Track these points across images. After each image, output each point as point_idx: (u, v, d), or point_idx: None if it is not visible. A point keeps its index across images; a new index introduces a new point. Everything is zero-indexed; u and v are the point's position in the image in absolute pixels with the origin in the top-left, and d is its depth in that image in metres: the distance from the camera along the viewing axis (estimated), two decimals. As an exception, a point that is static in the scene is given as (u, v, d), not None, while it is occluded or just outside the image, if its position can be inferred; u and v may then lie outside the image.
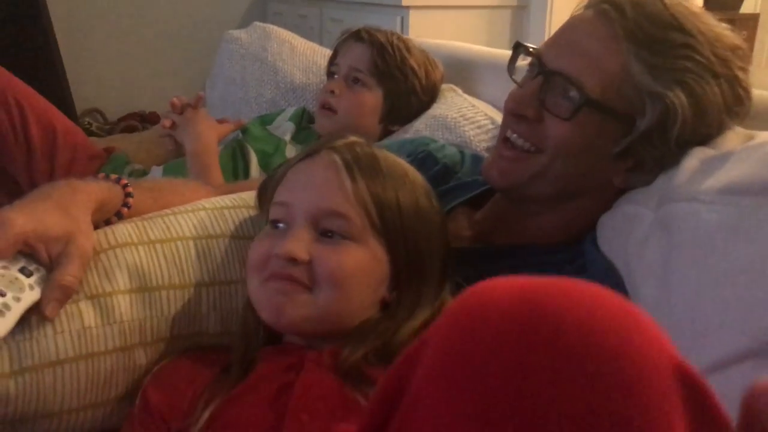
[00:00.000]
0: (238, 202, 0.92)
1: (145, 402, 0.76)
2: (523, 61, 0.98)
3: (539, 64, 0.90)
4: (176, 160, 1.49)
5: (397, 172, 0.78)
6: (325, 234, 0.75)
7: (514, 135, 0.91)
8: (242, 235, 0.88)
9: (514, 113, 0.91)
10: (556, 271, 0.86)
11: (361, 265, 0.74)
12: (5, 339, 0.72)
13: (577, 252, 0.89)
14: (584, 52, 0.85)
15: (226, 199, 0.92)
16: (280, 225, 0.77)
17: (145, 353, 0.80)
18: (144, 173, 1.53)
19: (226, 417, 0.71)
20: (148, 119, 2.76)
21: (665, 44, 0.83)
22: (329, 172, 0.76)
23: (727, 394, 0.59)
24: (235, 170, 1.47)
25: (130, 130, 2.71)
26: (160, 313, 0.81)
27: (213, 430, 0.70)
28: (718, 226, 0.64)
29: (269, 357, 0.76)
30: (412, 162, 1.08)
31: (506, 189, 0.94)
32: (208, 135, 1.38)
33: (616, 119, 0.85)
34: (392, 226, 0.76)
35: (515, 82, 0.95)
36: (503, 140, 0.93)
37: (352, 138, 0.82)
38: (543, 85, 0.88)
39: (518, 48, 0.98)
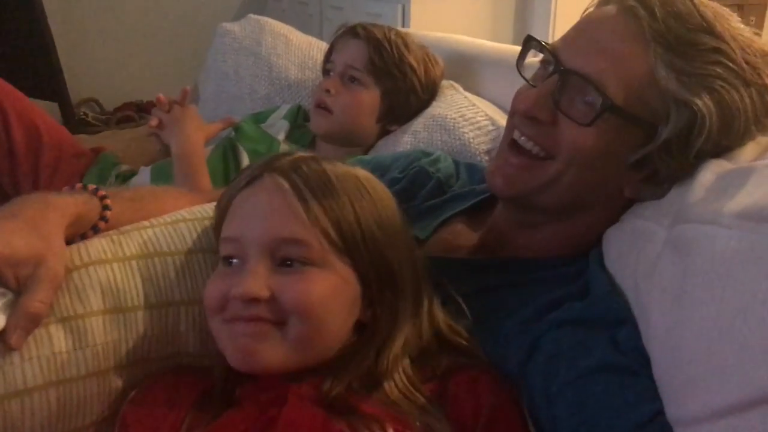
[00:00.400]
0: (222, 214, 0.86)
1: (124, 430, 0.72)
2: (534, 58, 0.92)
3: (555, 62, 0.82)
4: (165, 160, 1.43)
5: (351, 184, 0.73)
6: (284, 263, 0.69)
7: (523, 138, 0.84)
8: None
9: (526, 115, 0.84)
10: (558, 289, 0.81)
11: (329, 289, 0.69)
12: (-32, 367, 0.67)
13: (581, 268, 0.84)
14: (607, 53, 0.79)
15: (207, 209, 0.87)
16: (234, 261, 0.71)
17: (121, 377, 0.76)
18: (132, 174, 1.48)
19: None
20: (144, 109, 2.71)
21: (695, 48, 0.77)
22: (277, 197, 0.70)
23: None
24: (226, 171, 1.41)
25: (127, 120, 2.67)
26: (136, 335, 0.76)
27: None
28: (738, 255, 0.59)
29: (249, 393, 0.71)
30: (402, 180, 1.04)
31: (511, 198, 0.88)
32: (195, 137, 1.33)
33: (637, 127, 0.79)
34: (354, 243, 0.70)
35: (525, 79, 0.88)
36: (510, 144, 0.87)
37: (296, 155, 0.76)
38: (559, 85, 0.81)
39: (529, 42, 0.90)
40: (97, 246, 0.79)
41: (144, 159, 1.58)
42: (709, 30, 0.78)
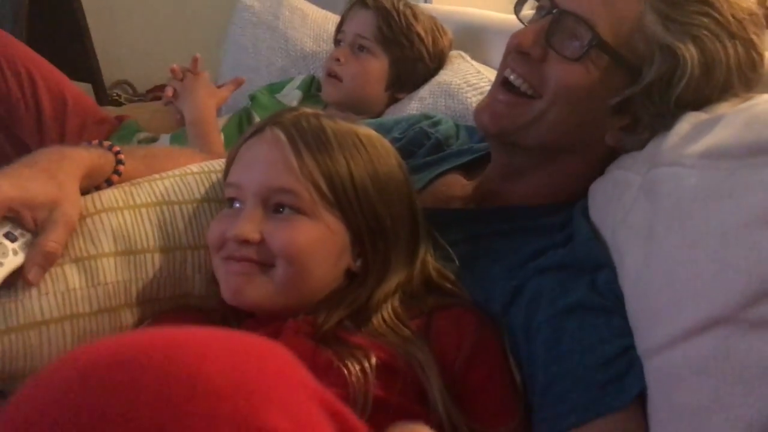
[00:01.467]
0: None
1: None
2: (530, 11, 0.95)
3: (551, 4, 0.86)
4: (183, 128, 1.49)
5: (348, 140, 0.77)
6: (276, 210, 0.75)
7: (513, 75, 0.88)
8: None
9: (517, 50, 0.87)
10: (543, 238, 0.85)
11: (314, 238, 0.74)
12: (-8, 300, 0.74)
13: (565, 219, 0.87)
14: None
15: (215, 164, 0.92)
16: (236, 204, 0.77)
17: (132, 314, 0.81)
18: (153, 141, 1.55)
19: None
20: (175, 90, 2.77)
21: None
22: (274, 149, 0.76)
23: (700, 362, 0.59)
24: (241, 138, 1.46)
25: (158, 101, 2.73)
26: (145, 276, 0.82)
27: None
28: (697, 190, 0.62)
29: (249, 328, 0.77)
30: (402, 140, 1.08)
31: (496, 134, 0.91)
32: (206, 103, 1.38)
33: (622, 67, 0.82)
34: (345, 197, 0.75)
35: (521, 21, 0.92)
36: (501, 82, 0.90)
37: (300, 110, 0.81)
38: (552, 23, 0.85)
39: None
40: (110, 195, 0.85)
41: (165, 129, 1.64)
42: None
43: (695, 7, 0.80)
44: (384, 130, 1.12)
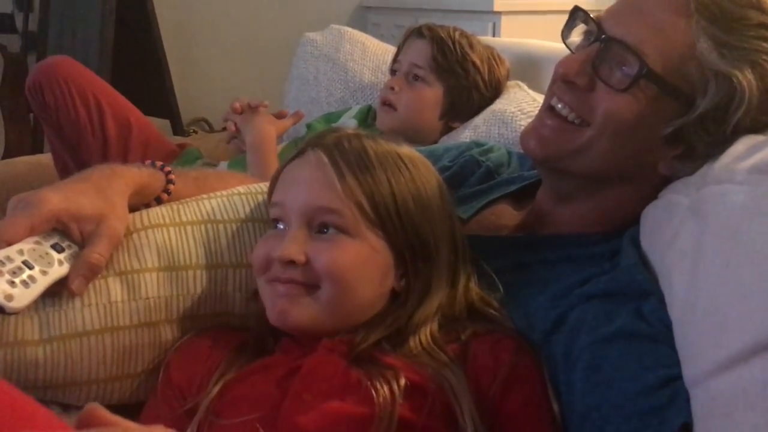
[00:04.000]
0: (271, 188, 0.93)
1: (167, 377, 0.79)
2: (578, 38, 0.93)
3: (598, 30, 0.84)
4: (241, 155, 1.53)
5: (390, 160, 0.77)
6: (320, 230, 0.74)
7: (560, 104, 0.86)
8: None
9: (563, 79, 0.85)
10: (591, 267, 0.82)
11: (358, 258, 0.73)
12: (36, 309, 0.76)
13: (615, 248, 0.84)
14: (649, 22, 0.80)
15: (261, 185, 0.93)
16: (280, 225, 0.77)
17: (171, 330, 0.82)
18: (212, 167, 1.58)
19: (234, 393, 0.72)
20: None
21: (740, 22, 0.77)
22: (316, 169, 0.76)
23: (746, 393, 0.54)
24: (296, 165, 1.49)
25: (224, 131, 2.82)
26: (186, 292, 0.83)
27: (220, 405, 0.72)
28: (745, 207, 0.58)
29: (286, 346, 0.77)
30: (452, 167, 1.07)
31: (543, 160, 0.89)
32: (266, 129, 1.41)
33: (673, 97, 0.79)
34: (387, 216, 0.74)
35: (569, 48, 0.90)
36: (547, 108, 0.88)
37: (341, 131, 0.81)
38: (599, 52, 0.82)
39: (576, 13, 0.90)
40: (157, 212, 0.87)
41: (227, 157, 1.68)
42: (757, 5, 0.78)
43: (753, 31, 0.77)
44: (434, 157, 1.11)
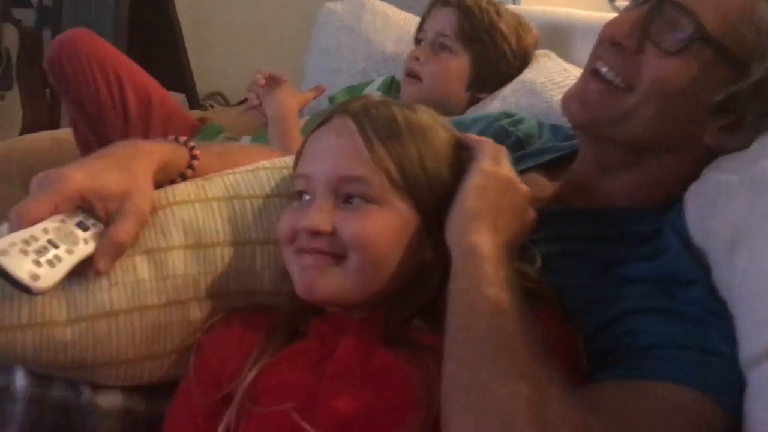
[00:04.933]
0: (299, 163, 0.90)
1: (200, 361, 0.77)
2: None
3: None
4: (264, 130, 1.50)
5: (419, 126, 0.74)
6: (347, 200, 0.72)
7: (605, 68, 0.82)
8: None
9: (610, 41, 0.81)
10: (633, 246, 0.79)
11: (386, 226, 0.71)
12: (62, 289, 0.74)
13: (655, 229, 0.80)
14: None
15: (286, 159, 0.91)
16: (305, 196, 0.75)
17: (200, 308, 0.80)
18: (235, 142, 1.56)
19: (270, 380, 0.71)
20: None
21: None
22: (343, 138, 0.73)
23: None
24: (319, 139, 1.46)
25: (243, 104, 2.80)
26: (214, 269, 0.81)
27: (255, 393, 0.70)
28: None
29: (315, 326, 0.75)
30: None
31: (584, 125, 0.85)
32: (288, 102, 1.38)
33: (727, 63, 0.76)
34: (416, 183, 0.71)
35: (616, 10, 0.86)
36: (591, 72, 0.84)
37: (368, 98, 0.78)
38: (650, 12, 0.78)
39: None
40: (182, 189, 0.84)
41: (248, 132, 1.66)
42: None
43: None
44: (462, 128, 1.08)
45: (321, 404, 0.66)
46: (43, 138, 1.78)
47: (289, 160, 0.91)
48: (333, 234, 0.70)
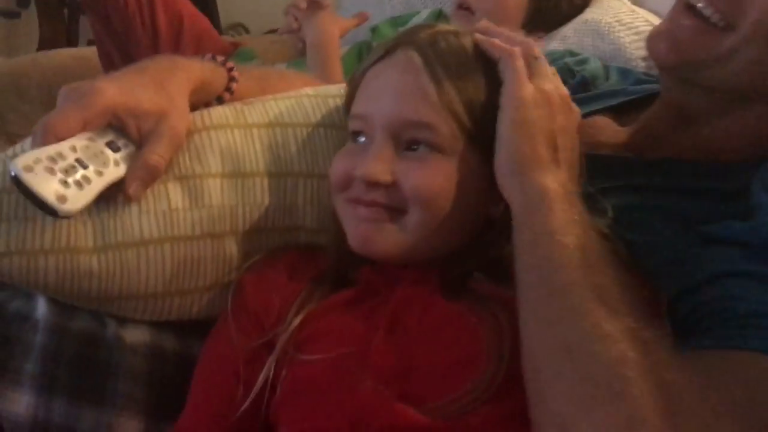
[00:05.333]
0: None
1: (241, 302, 0.71)
2: None
3: None
4: (301, 58, 1.42)
5: (492, 63, 0.64)
6: (409, 147, 0.64)
7: (702, 2, 0.72)
8: (345, 126, 0.78)
9: None
10: (714, 201, 0.71)
11: (453, 179, 0.63)
12: (89, 214, 0.68)
13: (740, 187, 0.72)
14: None
15: (332, 88, 0.83)
16: (360, 138, 0.67)
17: (236, 243, 0.74)
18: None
19: (316, 327, 0.65)
20: (290, 35, 2.74)
21: None
22: (408, 74, 0.64)
23: None
24: (360, 71, 1.38)
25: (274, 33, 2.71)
26: (253, 201, 0.74)
27: (300, 340, 0.64)
28: None
29: (365, 275, 0.68)
30: None
31: (674, 66, 0.76)
32: (329, 29, 1.30)
33: None
34: (489, 130, 0.63)
35: None
36: (684, 7, 0.74)
37: (437, 27, 0.68)
38: None
39: None
40: (220, 112, 0.77)
41: (281, 59, 1.57)
42: None
43: None
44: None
45: (375, 354, 0.61)
46: (63, 55, 1.70)
47: (334, 89, 0.83)
48: (392, 185, 0.63)
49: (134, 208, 0.69)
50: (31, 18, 2.45)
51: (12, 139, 1.39)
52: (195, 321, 0.75)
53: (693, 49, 0.72)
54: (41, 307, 0.69)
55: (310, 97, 0.81)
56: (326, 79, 1.11)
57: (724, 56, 0.71)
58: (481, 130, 0.63)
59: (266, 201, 0.74)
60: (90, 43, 2.03)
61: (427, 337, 0.60)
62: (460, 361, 0.58)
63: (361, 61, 1.39)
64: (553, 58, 1.00)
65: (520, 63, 0.64)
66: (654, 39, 0.76)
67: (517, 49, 0.64)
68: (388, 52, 0.68)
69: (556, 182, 0.60)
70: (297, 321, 0.64)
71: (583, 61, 1.01)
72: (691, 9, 0.73)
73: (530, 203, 0.59)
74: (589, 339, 0.50)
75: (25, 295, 0.70)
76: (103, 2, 1.39)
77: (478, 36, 0.67)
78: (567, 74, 0.96)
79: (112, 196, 0.68)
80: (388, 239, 0.64)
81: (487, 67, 0.65)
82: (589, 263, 0.55)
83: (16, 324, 0.67)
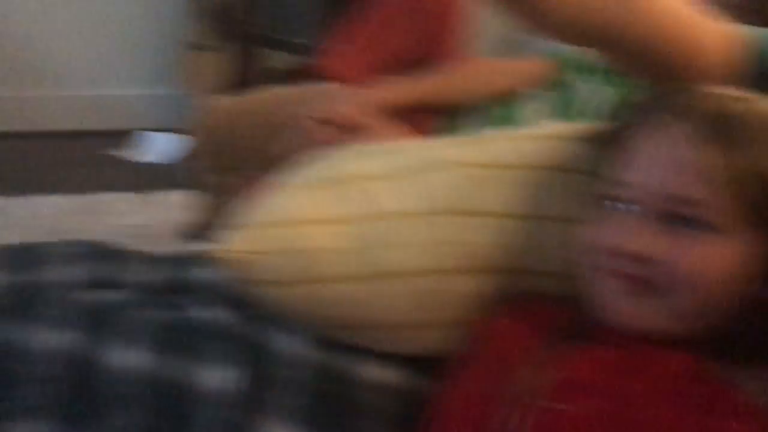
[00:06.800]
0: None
1: (492, 342, 0.69)
2: None
3: None
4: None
5: None
6: (679, 223, 0.60)
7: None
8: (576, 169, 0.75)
9: None
10: None
11: (728, 262, 0.59)
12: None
13: None
14: None
15: (570, 130, 0.80)
16: (619, 205, 0.63)
17: (480, 281, 0.73)
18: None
19: (561, 376, 0.61)
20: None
21: None
22: (681, 147, 0.60)
23: None
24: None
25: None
26: (505, 241, 0.73)
27: (545, 387, 0.61)
28: None
29: (601, 332, 0.63)
30: None
31: None
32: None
33: None
34: None
35: None
36: None
37: (721, 95, 0.64)
38: None
39: None
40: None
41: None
42: None
43: None
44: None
45: (635, 416, 0.56)
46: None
47: (572, 131, 0.80)
48: (660, 262, 0.60)
49: (401, 239, 0.72)
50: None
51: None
52: (431, 356, 0.74)
53: None
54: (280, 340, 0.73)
55: (551, 139, 0.79)
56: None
57: None
58: (763, 211, 0.59)
59: (518, 241, 0.73)
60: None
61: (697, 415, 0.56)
62: None
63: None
64: None
65: None
66: None
67: None
68: (658, 118, 0.64)
69: None
70: (541, 370, 0.61)
71: None
72: None
73: None
74: None
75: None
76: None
77: None
78: None
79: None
80: (646, 316, 0.61)
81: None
82: None
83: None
